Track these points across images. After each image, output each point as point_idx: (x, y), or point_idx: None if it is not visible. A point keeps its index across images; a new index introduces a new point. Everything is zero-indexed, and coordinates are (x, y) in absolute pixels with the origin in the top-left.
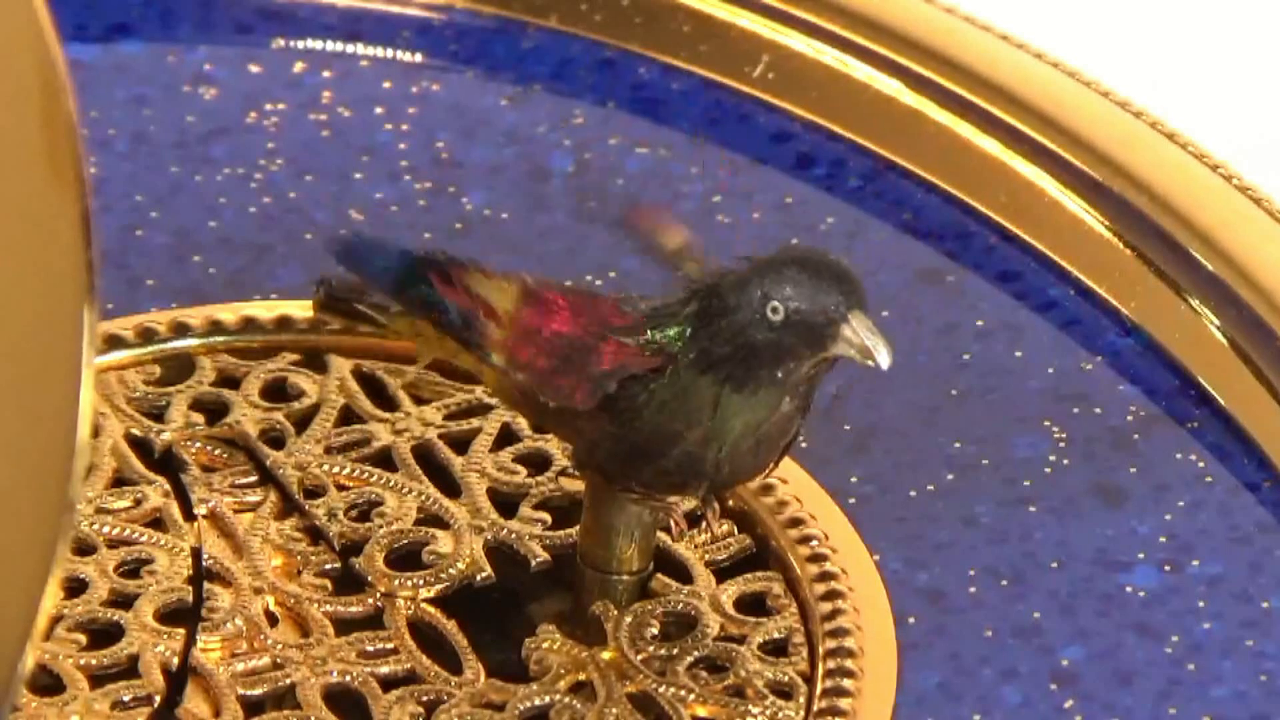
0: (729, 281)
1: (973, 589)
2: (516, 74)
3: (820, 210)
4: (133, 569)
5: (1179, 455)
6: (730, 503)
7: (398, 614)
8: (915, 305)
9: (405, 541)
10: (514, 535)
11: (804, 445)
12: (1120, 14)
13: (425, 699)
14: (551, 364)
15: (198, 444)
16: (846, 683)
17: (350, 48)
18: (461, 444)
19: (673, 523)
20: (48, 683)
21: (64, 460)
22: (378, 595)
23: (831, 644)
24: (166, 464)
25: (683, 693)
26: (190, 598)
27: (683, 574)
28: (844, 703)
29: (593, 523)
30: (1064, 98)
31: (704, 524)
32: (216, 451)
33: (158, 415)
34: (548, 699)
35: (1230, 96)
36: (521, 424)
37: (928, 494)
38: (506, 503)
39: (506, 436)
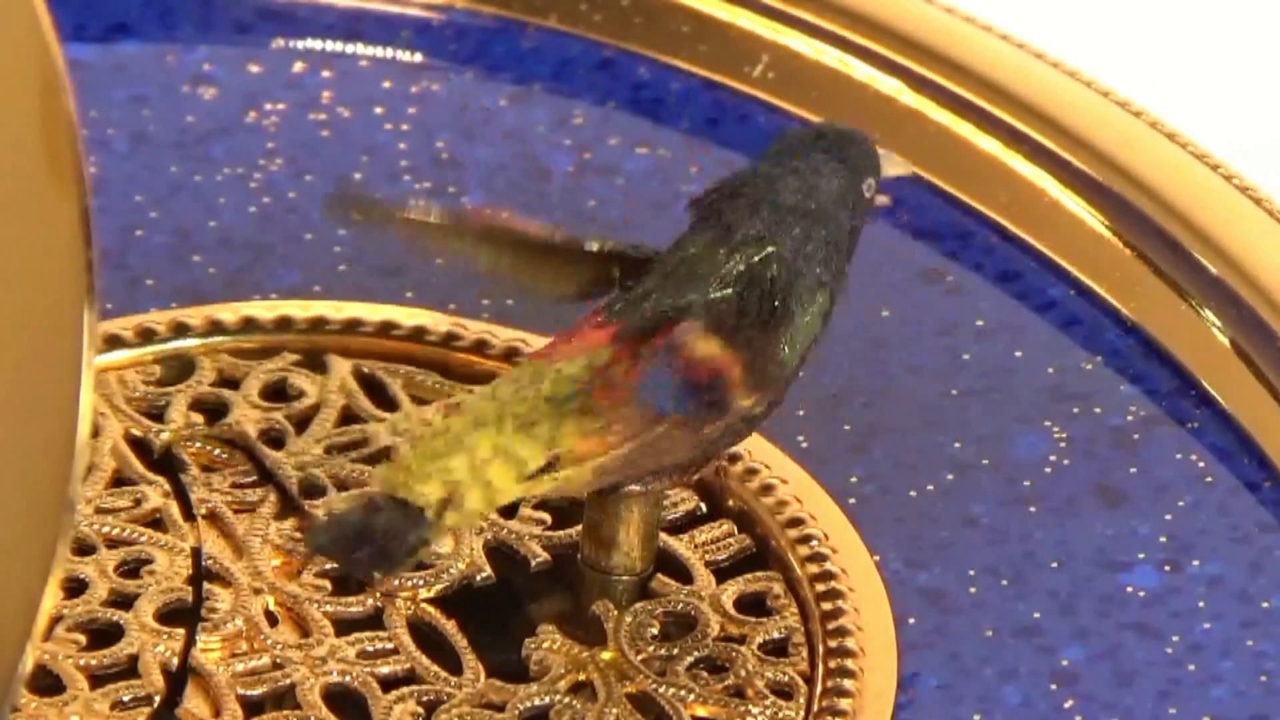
0: (790, 198)
1: (973, 589)
2: (516, 74)
3: None
4: (132, 569)
5: (1179, 455)
6: (730, 503)
7: (397, 614)
8: (915, 305)
9: None
10: (514, 535)
11: (804, 445)
12: (1120, 14)
13: (425, 699)
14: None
15: (197, 444)
16: (847, 683)
17: (350, 47)
18: None
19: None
20: (48, 683)
21: (64, 460)
22: (377, 595)
23: (832, 644)
24: (166, 464)
25: (683, 693)
26: (190, 598)
27: (683, 574)
28: (844, 703)
29: (593, 523)
30: (1064, 98)
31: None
32: (216, 452)
33: (157, 415)
34: (548, 699)
35: (1230, 96)
36: None
37: (928, 494)
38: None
39: None
